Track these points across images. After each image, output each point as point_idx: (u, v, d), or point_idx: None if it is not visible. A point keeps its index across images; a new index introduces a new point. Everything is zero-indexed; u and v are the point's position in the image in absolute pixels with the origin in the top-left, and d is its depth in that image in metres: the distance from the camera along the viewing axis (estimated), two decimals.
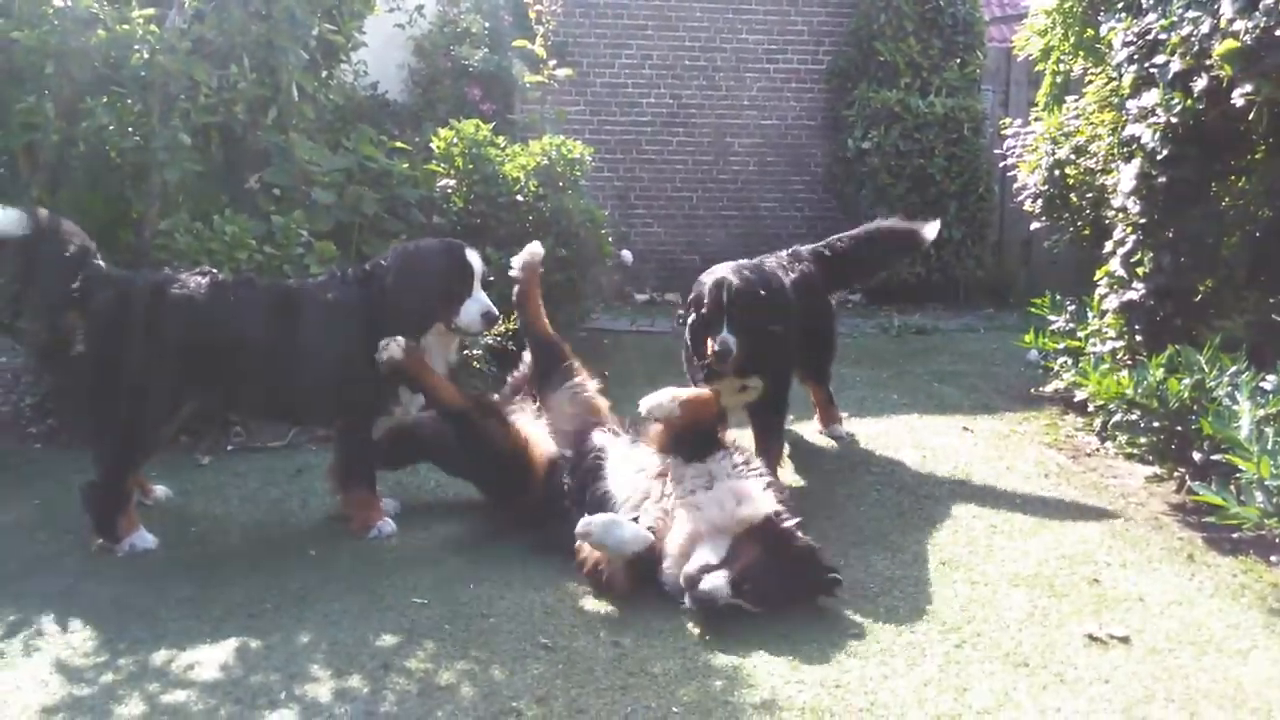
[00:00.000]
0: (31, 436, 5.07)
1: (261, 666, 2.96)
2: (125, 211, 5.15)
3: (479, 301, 3.86)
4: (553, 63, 7.76)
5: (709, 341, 4.18)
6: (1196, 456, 4.01)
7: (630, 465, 3.67)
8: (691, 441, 3.58)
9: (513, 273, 4.35)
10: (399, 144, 6.53)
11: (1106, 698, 2.80)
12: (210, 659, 3.01)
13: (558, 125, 7.96)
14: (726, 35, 9.74)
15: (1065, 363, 5.09)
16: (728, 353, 4.10)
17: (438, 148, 6.59)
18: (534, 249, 4.35)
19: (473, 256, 3.90)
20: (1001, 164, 7.51)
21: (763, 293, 4.27)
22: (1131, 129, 4.70)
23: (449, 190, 6.48)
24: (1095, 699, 2.80)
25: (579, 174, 6.78)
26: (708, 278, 4.37)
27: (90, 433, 4.06)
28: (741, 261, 4.68)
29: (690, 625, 3.20)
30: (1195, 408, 4.01)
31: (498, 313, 3.92)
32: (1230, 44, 4.02)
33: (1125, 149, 4.89)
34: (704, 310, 4.26)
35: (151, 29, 4.93)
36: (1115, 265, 4.97)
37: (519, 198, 6.48)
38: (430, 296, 3.84)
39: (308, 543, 3.88)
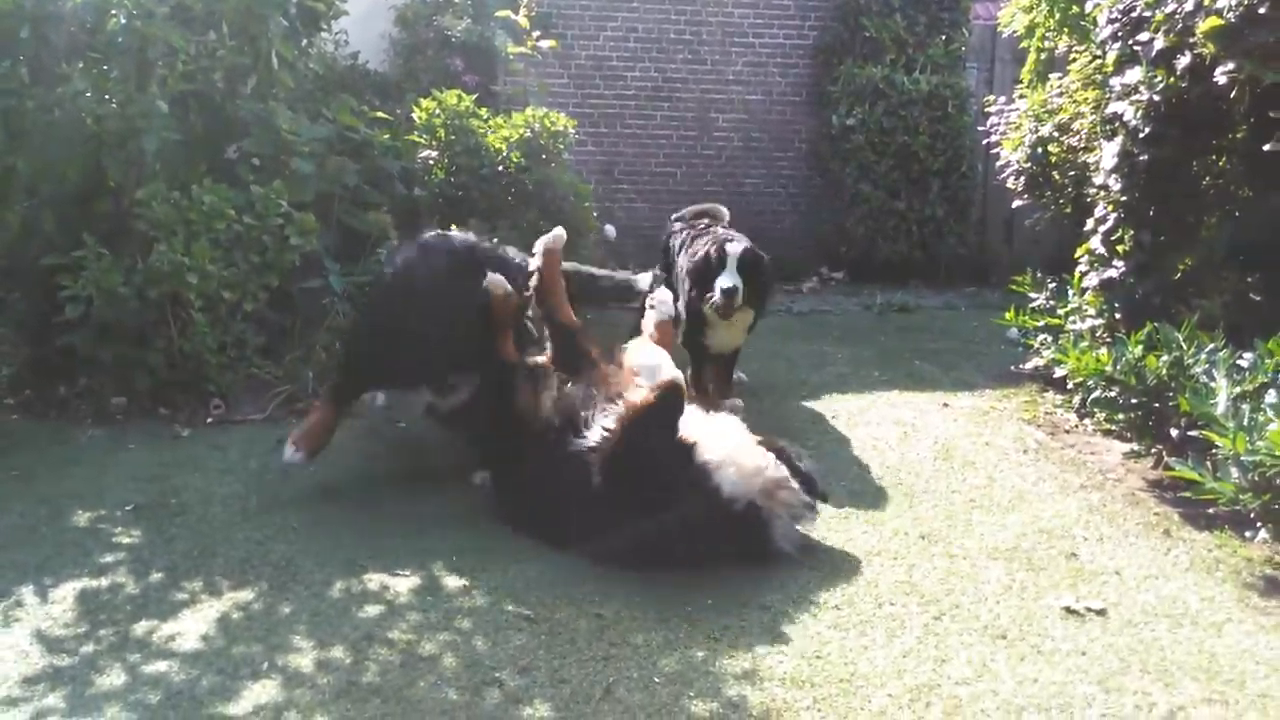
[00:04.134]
0: (8, 408, 5.02)
1: (243, 637, 2.96)
2: (102, 180, 5.08)
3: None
4: (536, 34, 7.70)
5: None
6: (1173, 433, 4.06)
7: None
8: None
9: (533, 262, 4.16)
10: (380, 114, 6.46)
11: (1083, 669, 2.84)
12: (192, 630, 3.01)
13: (541, 97, 7.91)
14: (713, 9, 9.66)
15: (1045, 340, 5.12)
16: None
17: (419, 118, 6.53)
18: (557, 233, 4.16)
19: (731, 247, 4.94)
20: (985, 141, 7.52)
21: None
22: (1114, 107, 4.72)
23: (430, 161, 6.43)
24: (1072, 670, 2.84)
25: (563, 147, 6.74)
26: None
27: None
28: None
29: (672, 596, 3.22)
30: (1173, 385, 4.05)
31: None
32: (1214, 21, 4.03)
33: (1108, 127, 4.91)
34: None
35: None
36: (1096, 243, 4.99)
37: (501, 169, 6.43)
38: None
39: (289, 514, 3.87)
